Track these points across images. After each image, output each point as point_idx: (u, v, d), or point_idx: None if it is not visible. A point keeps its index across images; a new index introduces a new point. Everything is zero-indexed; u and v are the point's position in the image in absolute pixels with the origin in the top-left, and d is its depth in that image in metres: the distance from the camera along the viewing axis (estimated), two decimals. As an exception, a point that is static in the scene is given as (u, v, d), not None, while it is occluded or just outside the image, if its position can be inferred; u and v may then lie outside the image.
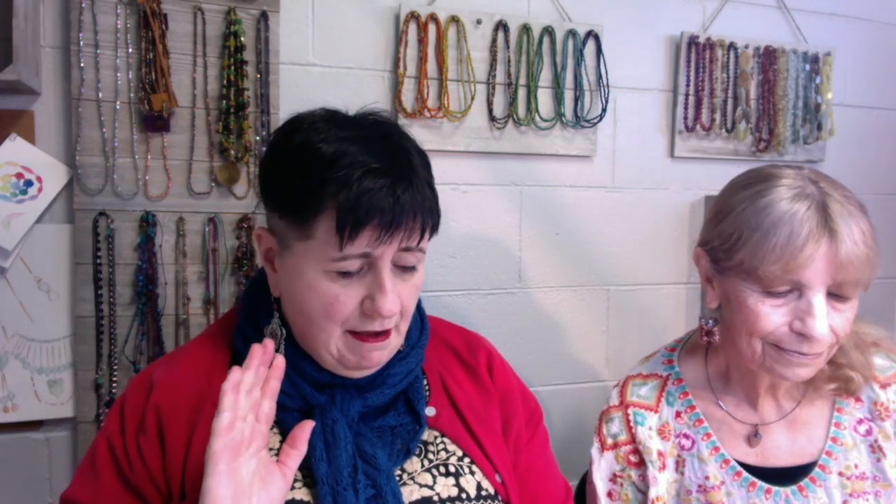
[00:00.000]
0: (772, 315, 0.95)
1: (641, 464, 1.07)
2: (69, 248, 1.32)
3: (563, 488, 1.03)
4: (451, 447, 0.92)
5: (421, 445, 0.91)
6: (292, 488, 0.82)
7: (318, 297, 0.82)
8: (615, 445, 1.09)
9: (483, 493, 0.89)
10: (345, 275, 0.82)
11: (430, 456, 0.91)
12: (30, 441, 1.33)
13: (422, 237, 0.84)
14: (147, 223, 1.34)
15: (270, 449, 0.85)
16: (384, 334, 0.85)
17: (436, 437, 0.93)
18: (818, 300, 0.92)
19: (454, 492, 0.87)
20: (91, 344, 1.33)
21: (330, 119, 0.86)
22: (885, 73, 1.95)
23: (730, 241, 0.98)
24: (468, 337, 1.06)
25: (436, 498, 0.86)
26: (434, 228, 0.86)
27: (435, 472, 0.89)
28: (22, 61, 1.18)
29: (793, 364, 0.96)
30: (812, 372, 0.98)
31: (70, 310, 1.33)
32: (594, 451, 1.11)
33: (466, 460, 0.91)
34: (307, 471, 0.84)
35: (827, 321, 0.93)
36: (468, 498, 0.88)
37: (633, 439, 1.08)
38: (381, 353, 0.87)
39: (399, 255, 0.83)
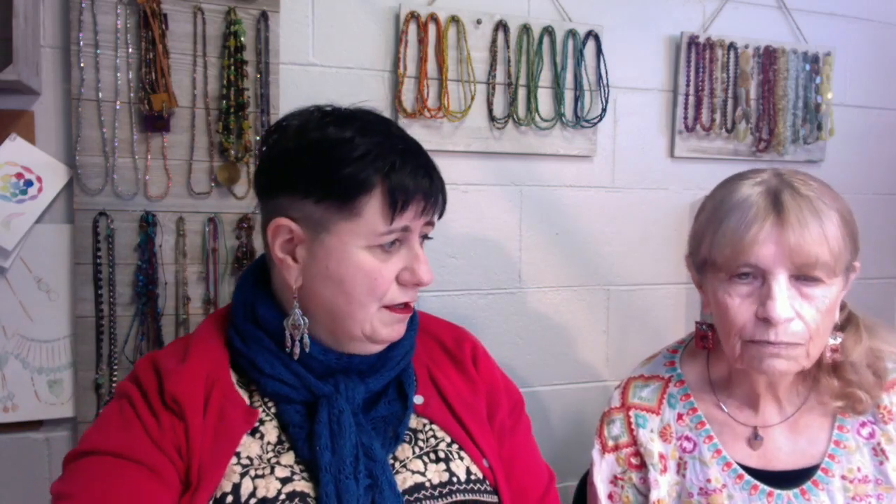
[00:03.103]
0: (741, 307, 0.96)
1: (642, 466, 1.07)
2: (69, 248, 1.32)
3: (545, 474, 1.06)
4: (440, 434, 0.96)
5: (410, 433, 0.95)
6: (291, 480, 0.85)
7: (364, 273, 0.88)
8: (616, 447, 1.09)
9: (472, 477, 0.93)
10: (386, 249, 0.89)
11: (420, 443, 0.94)
12: (30, 441, 1.33)
13: (441, 213, 0.96)
14: (147, 223, 1.34)
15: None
16: (408, 305, 0.94)
17: (425, 425, 0.96)
18: (777, 283, 0.93)
19: (445, 477, 0.91)
20: (91, 344, 1.33)
21: (333, 112, 0.93)
22: (885, 73, 1.95)
23: (697, 239, 1.03)
24: (454, 330, 1.10)
25: (427, 484, 0.90)
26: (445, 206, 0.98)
27: (426, 458, 0.93)
28: (22, 61, 1.18)
29: (766, 355, 0.96)
30: (789, 365, 0.97)
31: (70, 310, 1.33)
32: (595, 452, 1.11)
33: (455, 446, 0.95)
34: (306, 464, 0.87)
35: (790, 305, 0.93)
36: (458, 482, 0.92)
37: (634, 441, 1.08)
38: (402, 326, 0.95)
39: (424, 229, 0.94)
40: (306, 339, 0.91)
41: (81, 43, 1.28)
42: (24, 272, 1.31)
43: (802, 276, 0.94)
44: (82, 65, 1.29)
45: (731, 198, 0.98)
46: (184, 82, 1.35)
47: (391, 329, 0.93)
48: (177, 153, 1.36)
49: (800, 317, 0.94)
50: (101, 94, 1.30)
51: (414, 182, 0.88)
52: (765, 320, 0.94)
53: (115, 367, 1.33)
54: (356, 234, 0.88)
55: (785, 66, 1.77)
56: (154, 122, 1.33)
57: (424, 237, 0.95)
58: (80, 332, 1.32)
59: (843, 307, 1.05)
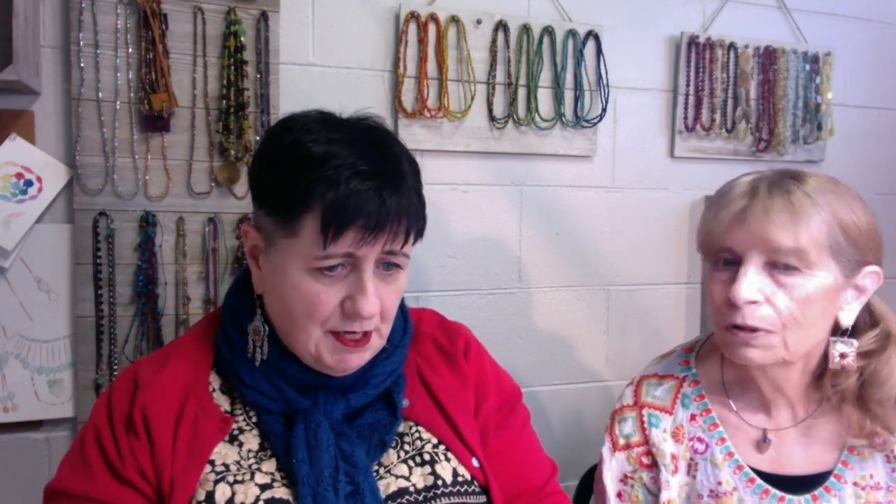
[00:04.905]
0: (720, 291, 0.98)
1: (654, 466, 1.06)
2: (69, 248, 1.32)
3: (547, 466, 1.04)
4: (426, 435, 0.93)
5: (396, 437, 0.92)
6: (271, 487, 0.83)
7: (301, 295, 0.83)
8: (627, 446, 1.08)
9: (459, 478, 0.90)
10: (327, 274, 0.82)
11: (406, 447, 0.92)
12: (30, 441, 1.33)
13: (406, 241, 0.85)
14: (147, 223, 1.34)
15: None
16: (365, 338, 0.86)
17: (410, 427, 0.93)
18: (745, 266, 0.94)
19: (430, 481, 0.88)
20: (91, 344, 1.32)
21: (323, 121, 0.87)
22: (885, 73, 1.95)
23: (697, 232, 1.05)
24: (448, 326, 1.07)
25: (412, 489, 0.87)
26: (419, 234, 0.87)
27: (411, 462, 0.90)
28: (22, 61, 1.18)
29: (738, 344, 0.96)
30: (763, 355, 0.96)
31: (70, 310, 1.33)
32: (605, 450, 1.09)
33: (441, 447, 0.92)
34: (286, 471, 0.85)
35: (757, 289, 0.93)
36: (444, 485, 0.89)
37: (646, 441, 1.06)
38: (360, 356, 0.88)
39: (382, 257, 0.84)
40: (265, 348, 0.88)
41: (81, 43, 1.28)
42: (24, 272, 1.30)
43: (777, 264, 0.94)
44: (82, 65, 1.29)
45: (723, 189, 1.01)
46: (184, 82, 1.35)
47: (338, 358, 0.85)
48: (177, 153, 1.36)
49: (769, 302, 0.94)
50: (101, 94, 1.30)
51: (356, 205, 0.79)
52: (729, 301, 0.95)
53: (115, 367, 1.33)
54: (295, 253, 0.82)
55: (785, 66, 1.77)
56: (154, 122, 1.33)
57: (393, 265, 0.86)
58: (80, 332, 1.32)
59: (874, 318, 1.02)
